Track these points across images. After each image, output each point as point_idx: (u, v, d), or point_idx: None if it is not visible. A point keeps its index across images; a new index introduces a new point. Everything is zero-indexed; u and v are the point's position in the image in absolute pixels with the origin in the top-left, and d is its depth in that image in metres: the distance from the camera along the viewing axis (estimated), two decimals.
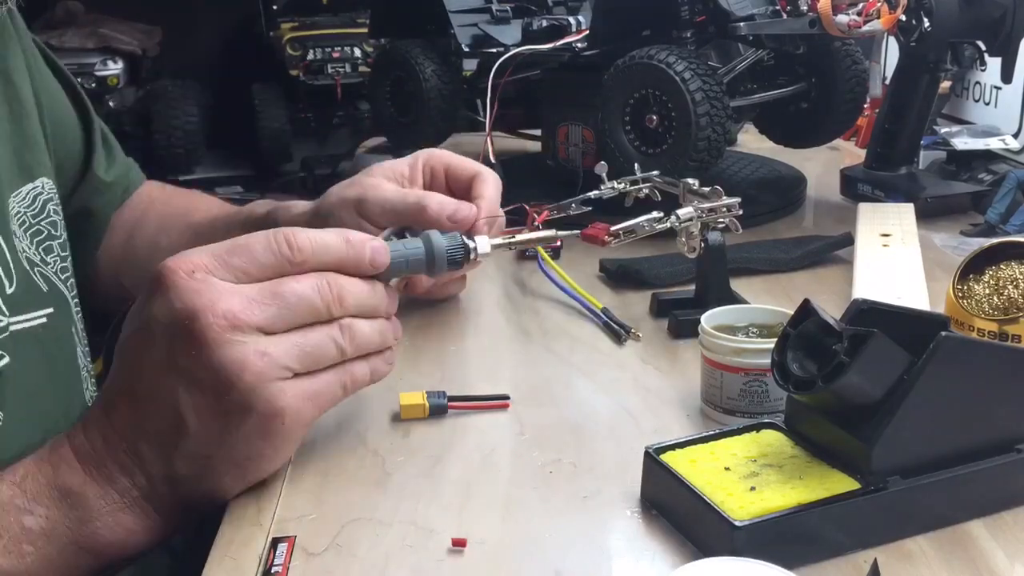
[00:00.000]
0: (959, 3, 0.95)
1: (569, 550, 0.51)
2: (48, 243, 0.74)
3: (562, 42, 1.10)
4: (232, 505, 0.57)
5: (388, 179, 0.77)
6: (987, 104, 1.25)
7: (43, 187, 0.75)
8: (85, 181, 0.88)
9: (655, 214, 0.73)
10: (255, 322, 0.52)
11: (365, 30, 1.74)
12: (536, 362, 0.74)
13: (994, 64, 1.00)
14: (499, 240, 0.68)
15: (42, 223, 0.74)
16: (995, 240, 0.73)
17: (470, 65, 1.26)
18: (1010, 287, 0.69)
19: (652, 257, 0.89)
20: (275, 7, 1.90)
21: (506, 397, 0.67)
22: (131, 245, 0.92)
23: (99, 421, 0.55)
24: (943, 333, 0.50)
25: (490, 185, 0.77)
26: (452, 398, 0.66)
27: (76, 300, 0.77)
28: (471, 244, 0.65)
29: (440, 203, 0.72)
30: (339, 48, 1.81)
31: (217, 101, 1.86)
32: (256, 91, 1.81)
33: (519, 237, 0.70)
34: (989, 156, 1.12)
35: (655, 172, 0.87)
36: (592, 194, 0.85)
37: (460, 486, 0.58)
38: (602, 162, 0.86)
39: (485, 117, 1.10)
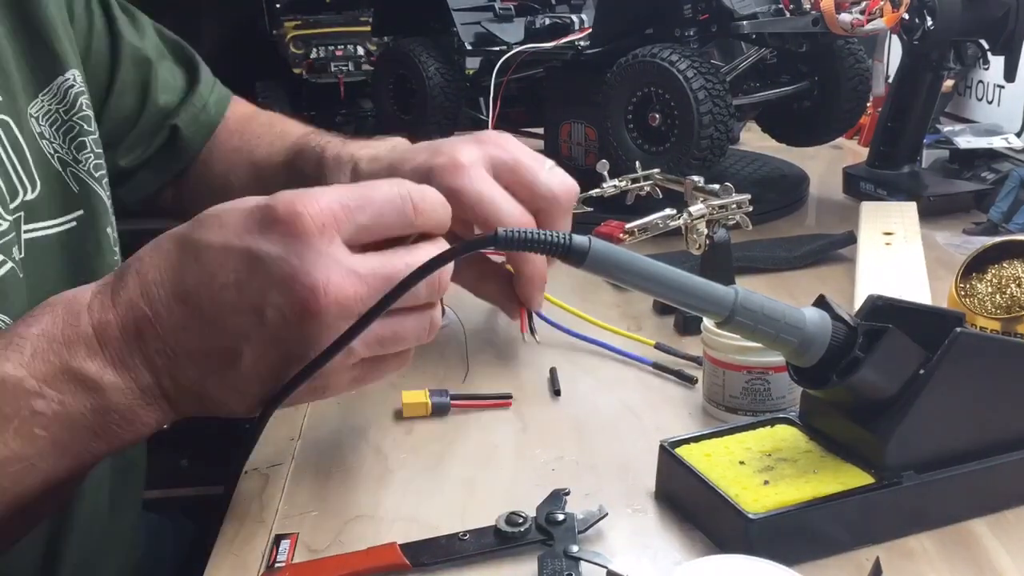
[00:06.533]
0: (962, 2, 0.94)
1: None
2: (81, 139, 0.71)
3: (565, 40, 1.10)
4: (235, 502, 0.57)
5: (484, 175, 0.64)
6: (990, 103, 1.25)
7: (73, 79, 0.71)
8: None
9: (668, 211, 0.73)
10: (360, 310, 0.49)
11: (368, 28, 1.74)
12: (538, 360, 0.74)
13: (997, 63, 1.00)
14: None
15: (75, 118, 0.71)
16: (998, 239, 0.73)
17: (473, 63, 1.26)
18: (1013, 286, 0.69)
19: (653, 255, 0.89)
20: (278, 5, 1.90)
21: (508, 396, 0.67)
22: (206, 176, 0.88)
23: (135, 307, 0.49)
24: (958, 329, 0.50)
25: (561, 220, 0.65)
26: (455, 396, 0.66)
27: (110, 199, 0.74)
28: None
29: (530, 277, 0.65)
30: (342, 46, 1.81)
31: None
32: (259, 89, 1.80)
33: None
34: (992, 155, 1.12)
35: (655, 170, 0.87)
36: (594, 192, 0.85)
37: (463, 484, 0.58)
38: (603, 160, 0.86)
39: (488, 115, 1.10)
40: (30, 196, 0.65)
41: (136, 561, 0.80)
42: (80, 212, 0.69)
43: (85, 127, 0.71)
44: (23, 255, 0.63)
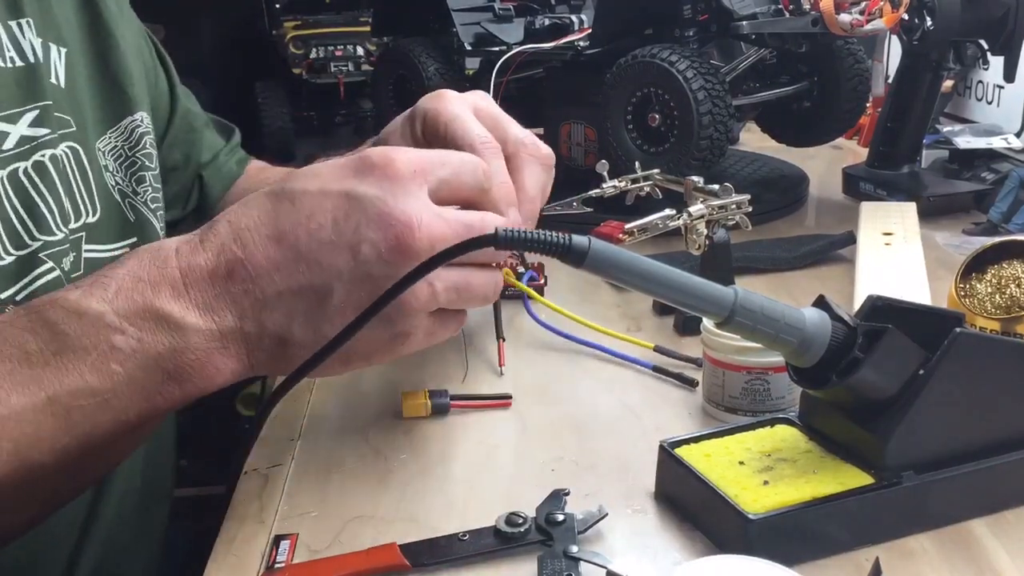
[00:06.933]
0: (961, 2, 0.95)
1: None
2: (141, 173, 0.76)
3: (564, 40, 1.10)
4: (235, 502, 0.57)
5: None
6: (989, 103, 1.25)
7: (141, 120, 0.77)
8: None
9: (668, 211, 0.73)
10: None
11: (368, 29, 1.74)
12: (537, 360, 0.74)
13: (996, 63, 1.00)
14: None
15: (138, 155, 0.76)
16: (997, 239, 0.73)
17: (473, 64, 1.26)
18: (1012, 286, 0.69)
19: (653, 256, 0.89)
20: (278, 5, 1.90)
21: (508, 396, 0.67)
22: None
23: (227, 250, 0.51)
24: (958, 329, 0.50)
25: (532, 175, 0.62)
26: (454, 396, 0.66)
27: (163, 230, 0.79)
28: None
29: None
30: (342, 46, 1.81)
31: (220, 100, 1.86)
32: (259, 89, 1.80)
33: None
34: (991, 155, 1.12)
35: (655, 170, 0.87)
36: (593, 192, 0.85)
37: (462, 484, 0.58)
38: (603, 160, 0.86)
39: None
40: (91, 219, 0.69)
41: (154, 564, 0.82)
42: (134, 239, 0.74)
43: (147, 163, 0.77)
44: (82, 271, 0.67)
